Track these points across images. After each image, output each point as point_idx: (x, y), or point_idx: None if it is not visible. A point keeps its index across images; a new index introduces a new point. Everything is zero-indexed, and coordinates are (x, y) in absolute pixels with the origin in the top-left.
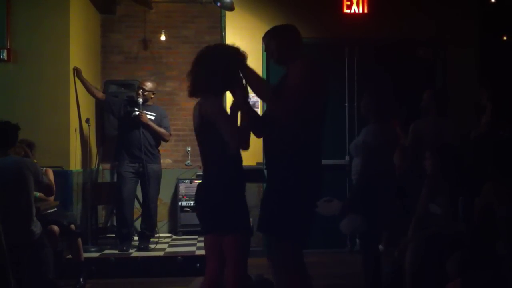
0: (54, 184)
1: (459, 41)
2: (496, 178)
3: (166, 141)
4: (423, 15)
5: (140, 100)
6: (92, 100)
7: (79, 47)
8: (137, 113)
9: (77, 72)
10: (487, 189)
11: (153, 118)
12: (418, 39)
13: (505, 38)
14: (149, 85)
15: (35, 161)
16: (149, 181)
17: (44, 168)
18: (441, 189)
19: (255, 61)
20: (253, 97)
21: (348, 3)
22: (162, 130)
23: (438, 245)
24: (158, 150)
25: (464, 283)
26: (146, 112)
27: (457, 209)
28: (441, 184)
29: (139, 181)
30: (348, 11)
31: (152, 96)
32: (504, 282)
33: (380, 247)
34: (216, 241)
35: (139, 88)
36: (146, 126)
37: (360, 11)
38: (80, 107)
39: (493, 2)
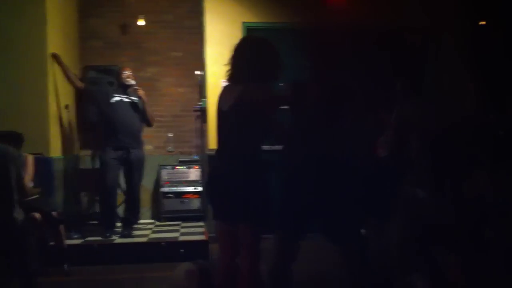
0: (33, 170)
1: (440, 27)
2: (482, 163)
3: (151, 125)
4: (404, 2)
5: (133, 81)
6: (71, 86)
7: (57, 33)
8: (122, 97)
9: (56, 57)
10: (475, 175)
11: (136, 102)
12: (400, 26)
13: (484, 22)
14: (130, 70)
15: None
16: (133, 167)
17: (25, 154)
18: (426, 174)
19: None
20: None
21: None
22: (151, 112)
23: (423, 230)
24: (142, 136)
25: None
26: (132, 97)
27: (443, 195)
28: (426, 169)
29: (123, 168)
30: None
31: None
32: (492, 267)
33: (362, 231)
34: (231, 228)
35: (124, 72)
36: (142, 103)
37: None
38: (59, 93)
39: None
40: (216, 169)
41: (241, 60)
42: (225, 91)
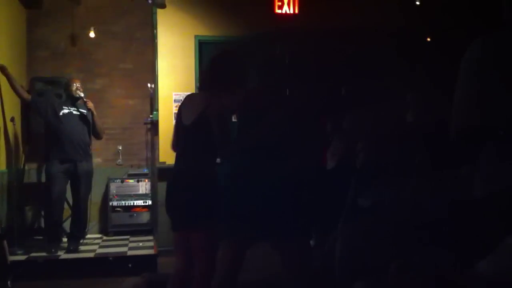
0: None
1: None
2: (422, 171)
3: (100, 138)
4: (352, 16)
5: (82, 93)
6: (17, 98)
7: (4, 43)
8: (70, 109)
9: (2, 69)
10: (414, 183)
11: (85, 114)
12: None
13: (428, 39)
14: (80, 82)
15: None
16: (81, 180)
17: None
18: (370, 182)
19: (187, 59)
20: None
21: (280, 3)
22: (100, 125)
23: (367, 238)
24: (90, 148)
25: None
26: (80, 109)
27: (385, 202)
28: (370, 177)
29: (69, 181)
30: (279, 11)
31: None
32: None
33: (311, 242)
34: (185, 237)
35: (73, 84)
36: (92, 116)
37: (291, 11)
38: (4, 106)
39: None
40: (172, 180)
41: (207, 72)
42: (188, 101)
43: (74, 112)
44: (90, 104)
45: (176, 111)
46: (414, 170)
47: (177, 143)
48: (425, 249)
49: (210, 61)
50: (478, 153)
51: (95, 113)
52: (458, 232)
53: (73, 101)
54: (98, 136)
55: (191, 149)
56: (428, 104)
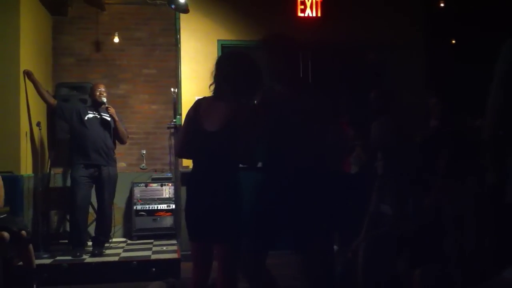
0: (2, 190)
1: (407, 44)
2: (444, 177)
3: (124, 142)
4: (374, 19)
5: (104, 99)
6: (43, 103)
7: (30, 49)
8: (95, 113)
9: (28, 74)
10: (436, 189)
11: (108, 120)
12: (368, 42)
13: (453, 41)
14: (103, 87)
15: None
16: (105, 185)
17: None
18: (391, 189)
19: (210, 63)
20: None
21: (302, 6)
22: (124, 130)
23: (389, 245)
24: (114, 153)
25: (423, 276)
26: (103, 114)
27: (408, 209)
28: (391, 184)
29: (94, 186)
30: (302, 14)
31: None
32: (450, 277)
33: (335, 247)
34: (206, 248)
35: (97, 89)
36: (115, 122)
37: (314, 14)
38: (30, 111)
39: (442, 6)
40: (198, 187)
41: (228, 75)
42: (207, 106)
43: (98, 117)
44: (112, 110)
45: (188, 116)
46: (437, 176)
47: (187, 148)
48: (448, 255)
49: (234, 63)
50: (504, 159)
51: (116, 118)
52: (483, 238)
53: (97, 106)
54: (121, 141)
55: (219, 156)
56: (451, 110)
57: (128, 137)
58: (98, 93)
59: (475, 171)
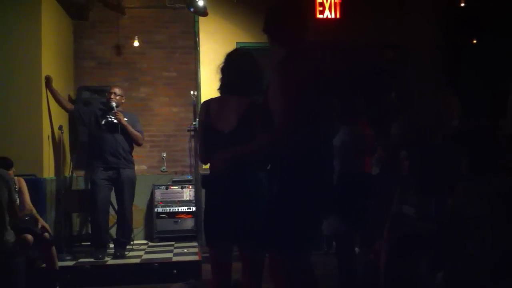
0: (27, 192)
1: (426, 44)
2: (467, 178)
3: (140, 145)
4: (393, 20)
5: (114, 103)
6: None
7: (51, 54)
8: (112, 118)
9: (47, 81)
10: (459, 189)
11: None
12: (387, 43)
13: (474, 41)
14: (118, 90)
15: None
16: (124, 187)
17: (16, 178)
18: (414, 189)
19: None
20: None
21: (321, 8)
22: (136, 133)
23: (411, 246)
24: (132, 156)
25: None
26: (114, 118)
27: (430, 209)
28: (414, 184)
29: (113, 188)
30: (320, 16)
31: (123, 101)
32: (474, 279)
33: (356, 249)
34: (228, 252)
35: (110, 92)
36: (122, 127)
37: (333, 16)
38: (52, 114)
39: (462, 6)
40: (220, 191)
41: (241, 72)
42: (217, 107)
43: (115, 121)
44: (119, 115)
45: (200, 120)
46: (459, 176)
47: (209, 153)
48: (472, 257)
49: (238, 61)
50: None
51: (124, 124)
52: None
53: (111, 109)
54: (137, 144)
55: (238, 157)
56: (471, 109)
57: (143, 139)
58: (108, 98)
59: (497, 170)
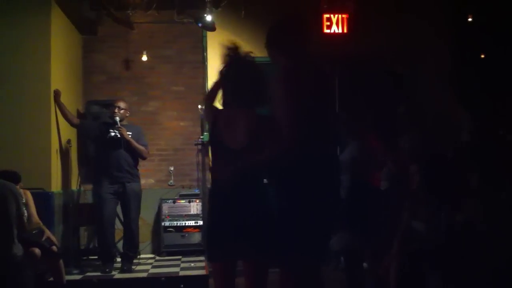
0: (33, 205)
1: (435, 59)
2: (478, 192)
3: (144, 158)
4: (400, 34)
5: (118, 118)
6: None
7: (61, 68)
8: (116, 132)
9: (55, 95)
10: (470, 204)
11: (130, 136)
12: (395, 57)
13: (485, 54)
14: (123, 103)
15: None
16: (129, 201)
17: (22, 190)
18: (423, 204)
19: None
20: None
21: (328, 23)
22: (140, 147)
23: (421, 262)
24: (137, 169)
25: None
26: (117, 133)
27: (440, 225)
28: (424, 199)
29: (119, 202)
30: (328, 30)
31: (127, 114)
32: None
33: (364, 264)
34: (232, 267)
35: (114, 107)
36: (125, 141)
37: (340, 31)
38: (61, 128)
39: (470, 20)
40: (227, 205)
41: (245, 84)
42: (225, 120)
43: (118, 136)
44: (122, 130)
45: (209, 132)
46: (469, 191)
47: (218, 167)
48: (484, 272)
49: (255, 75)
50: None
51: (126, 138)
52: None
53: (115, 124)
54: (141, 158)
55: (244, 172)
56: (482, 123)
57: (148, 152)
58: (112, 112)
59: (508, 183)
